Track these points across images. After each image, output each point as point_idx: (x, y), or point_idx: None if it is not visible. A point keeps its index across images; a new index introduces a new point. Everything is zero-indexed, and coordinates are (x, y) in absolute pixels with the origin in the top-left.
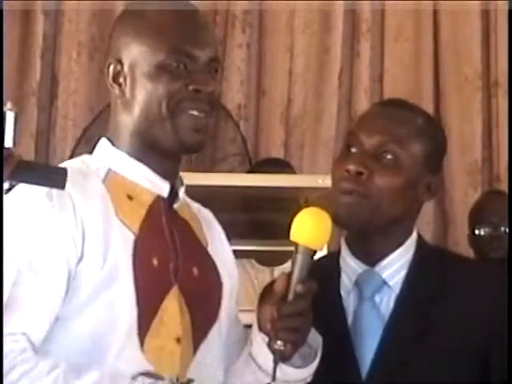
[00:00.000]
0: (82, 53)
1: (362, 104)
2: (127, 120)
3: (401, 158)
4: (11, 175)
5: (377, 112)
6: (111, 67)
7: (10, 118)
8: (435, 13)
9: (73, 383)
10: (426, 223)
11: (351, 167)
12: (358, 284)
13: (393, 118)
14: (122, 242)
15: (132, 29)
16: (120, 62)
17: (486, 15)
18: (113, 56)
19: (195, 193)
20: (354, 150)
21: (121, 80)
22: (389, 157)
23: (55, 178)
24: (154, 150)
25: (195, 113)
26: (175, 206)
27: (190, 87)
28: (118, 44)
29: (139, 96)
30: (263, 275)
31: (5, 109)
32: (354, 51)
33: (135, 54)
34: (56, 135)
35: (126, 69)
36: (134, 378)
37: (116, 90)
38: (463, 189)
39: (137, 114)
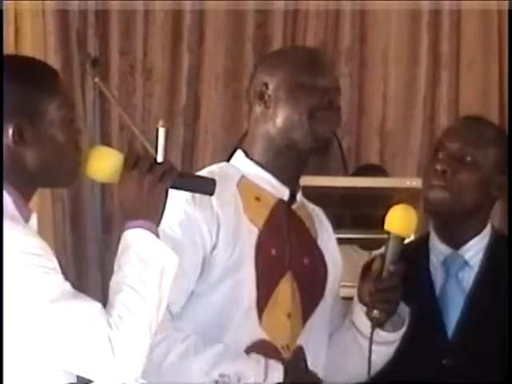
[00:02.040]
0: (219, 82)
1: (442, 122)
2: (268, 129)
3: (478, 159)
4: (173, 184)
5: (459, 125)
6: (258, 88)
7: (161, 133)
8: (500, 44)
9: (201, 351)
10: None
11: (438, 167)
12: (445, 263)
13: (471, 128)
14: (248, 235)
15: (275, 61)
16: (266, 84)
17: None
18: (258, 82)
19: (311, 191)
20: (441, 155)
21: (266, 98)
22: (468, 159)
23: (206, 187)
24: (289, 152)
25: (327, 124)
26: (293, 206)
27: (325, 99)
28: (264, 74)
29: (282, 108)
30: (363, 258)
31: (158, 126)
32: (435, 79)
33: (279, 77)
34: (199, 147)
35: (270, 90)
36: (248, 351)
37: (261, 106)
38: None
39: (279, 123)
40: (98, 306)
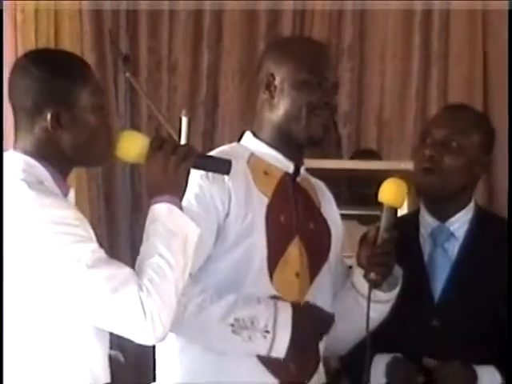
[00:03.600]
0: (235, 76)
1: (433, 111)
2: (272, 117)
3: (462, 144)
4: (193, 164)
5: (444, 113)
6: (265, 79)
7: (184, 122)
8: (484, 42)
9: (216, 302)
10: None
11: (427, 152)
12: (433, 235)
13: (456, 116)
14: (259, 204)
15: (282, 53)
16: (272, 75)
17: None
18: (265, 72)
19: (314, 173)
20: (428, 140)
21: (272, 88)
22: (453, 144)
23: (223, 167)
24: (288, 140)
25: (324, 119)
26: (298, 179)
27: (323, 100)
28: (271, 63)
29: (284, 100)
30: (362, 232)
31: (181, 115)
32: (426, 74)
33: (284, 71)
34: (218, 134)
35: (276, 81)
36: (259, 300)
37: (267, 95)
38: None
39: (281, 112)
40: (130, 270)
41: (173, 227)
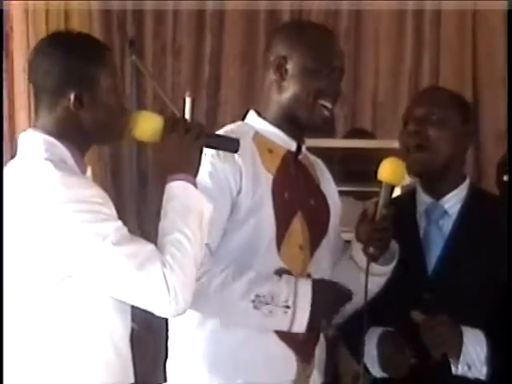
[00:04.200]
0: (236, 61)
1: None
2: (279, 98)
3: (442, 117)
4: (204, 143)
5: (421, 94)
6: (277, 61)
7: (188, 102)
8: (474, 32)
9: (237, 278)
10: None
11: (411, 128)
12: (428, 212)
13: (432, 94)
14: (265, 181)
15: (296, 38)
16: (285, 58)
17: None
18: (277, 53)
19: (313, 151)
20: (411, 119)
21: (282, 70)
22: (434, 118)
23: (232, 146)
24: (293, 121)
25: (329, 105)
26: (299, 157)
27: (331, 88)
28: (283, 46)
29: (294, 84)
30: (358, 207)
31: (185, 96)
32: (418, 60)
33: (298, 56)
34: (220, 114)
35: (288, 64)
36: (277, 273)
37: (277, 76)
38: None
39: (289, 95)
40: (153, 247)
41: (189, 204)
